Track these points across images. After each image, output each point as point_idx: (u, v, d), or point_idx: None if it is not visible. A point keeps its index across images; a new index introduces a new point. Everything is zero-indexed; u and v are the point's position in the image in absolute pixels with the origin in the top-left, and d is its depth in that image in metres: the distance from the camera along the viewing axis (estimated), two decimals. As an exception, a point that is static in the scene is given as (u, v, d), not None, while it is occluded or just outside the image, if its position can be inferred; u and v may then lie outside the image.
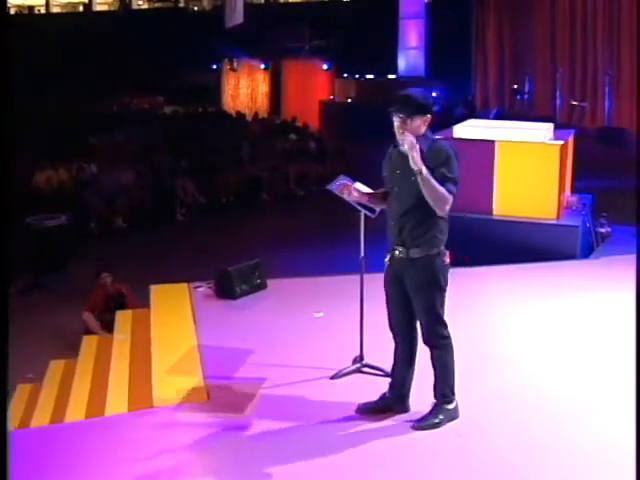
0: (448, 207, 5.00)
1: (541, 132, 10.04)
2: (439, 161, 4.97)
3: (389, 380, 5.52)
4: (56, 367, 8.02)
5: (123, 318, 8.00)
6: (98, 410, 6.10)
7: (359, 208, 5.76)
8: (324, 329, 7.08)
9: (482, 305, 7.88)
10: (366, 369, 6.16)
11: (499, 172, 9.86)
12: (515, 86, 23.21)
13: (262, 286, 8.09)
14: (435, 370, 5.29)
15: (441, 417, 5.28)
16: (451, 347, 5.28)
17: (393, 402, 5.45)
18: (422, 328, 5.25)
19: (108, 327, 9.47)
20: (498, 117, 21.52)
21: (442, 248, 5.13)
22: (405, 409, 5.43)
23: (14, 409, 7.54)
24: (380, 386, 5.77)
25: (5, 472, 3.88)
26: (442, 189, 4.92)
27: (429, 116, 5.08)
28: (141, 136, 20.51)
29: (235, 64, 31.04)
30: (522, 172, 9.81)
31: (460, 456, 4.98)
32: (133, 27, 30.31)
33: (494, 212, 9.97)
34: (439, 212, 4.99)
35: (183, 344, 6.71)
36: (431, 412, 5.31)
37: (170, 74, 29.41)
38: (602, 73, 21.46)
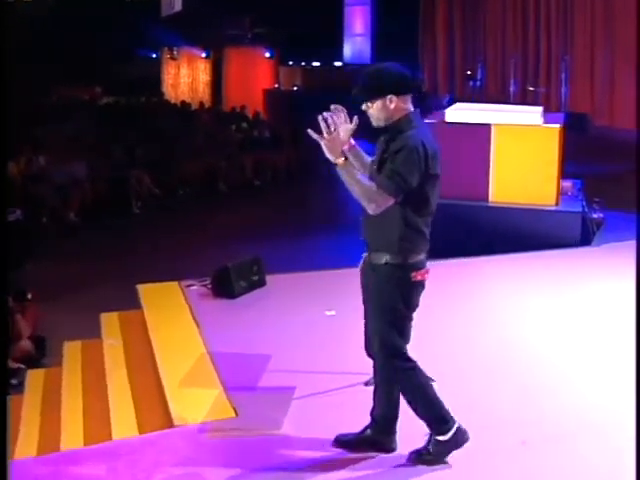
0: (375, 205, 4.03)
1: (536, 115, 9.59)
2: (392, 151, 4.10)
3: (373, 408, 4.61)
4: (35, 377, 7.25)
5: (109, 321, 7.25)
6: (101, 433, 5.35)
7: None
8: (341, 329, 6.44)
9: (493, 299, 7.44)
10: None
11: (495, 157, 9.39)
12: (469, 72, 22.77)
13: (261, 283, 7.45)
14: (409, 404, 4.43)
15: (432, 452, 4.42)
16: (411, 378, 4.34)
17: (376, 435, 4.58)
18: (375, 352, 4.39)
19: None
20: (452, 103, 21.14)
21: (412, 260, 4.18)
22: (390, 445, 4.56)
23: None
24: None
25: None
26: (367, 185, 4.04)
27: (392, 96, 4.13)
28: (88, 127, 19.56)
29: (175, 53, 30.11)
30: (520, 157, 9.37)
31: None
32: (65, 15, 29.14)
33: (490, 198, 9.50)
34: (369, 211, 4.08)
35: (191, 350, 6.03)
36: (425, 445, 4.47)
37: (107, 64, 28.38)
38: (556, 59, 21.18)
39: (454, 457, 4.45)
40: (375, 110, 4.19)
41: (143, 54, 30.11)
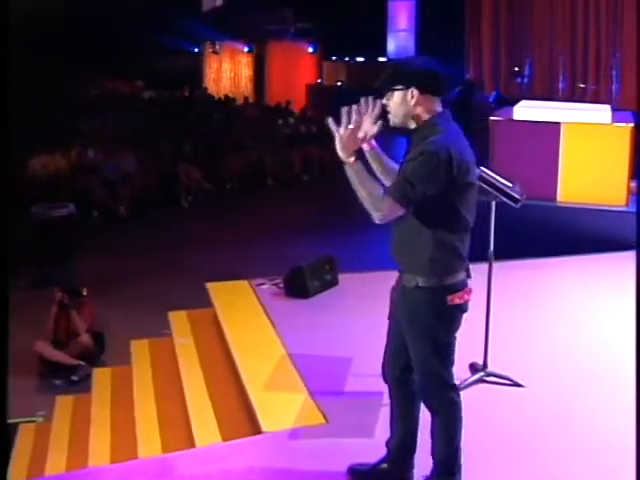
0: (381, 214, 3.62)
1: (606, 113, 9.36)
2: (411, 156, 3.65)
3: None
4: (102, 376, 7.12)
5: (178, 319, 7.10)
6: (181, 439, 5.18)
7: (497, 194, 4.95)
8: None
9: (567, 301, 7.26)
10: (490, 378, 5.42)
11: (565, 156, 9.17)
12: (516, 68, 22.47)
13: (333, 282, 7.28)
14: (432, 438, 4.05)
15: None
16: (454, 414, 3.97)
17: (391, 468, 4.23)
18: (417, 383, 4.00)
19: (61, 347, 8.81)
20: (498, 99, 20.95)
21: (447, 282, 3.75)
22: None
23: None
24: (511, 398, 5.21)
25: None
26: (375, 191, 3.62)
27: (415, 90, 3.68)
28: (134, 120, 19.51)
29: (217, 47, 29.98)
30: (590, 156, 9.15)
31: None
32: (107, 8, 29.09)
33: (558, 198, 9.27)
34: (375, 220, 3.67)
35: (270, 352, 5.85)
36: None
37: (148, 57, 28.32)
38: (606, 55, 20.84)
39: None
40: (394, 103, 3.73)
41: (185, 48, 30.02)
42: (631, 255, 8.40)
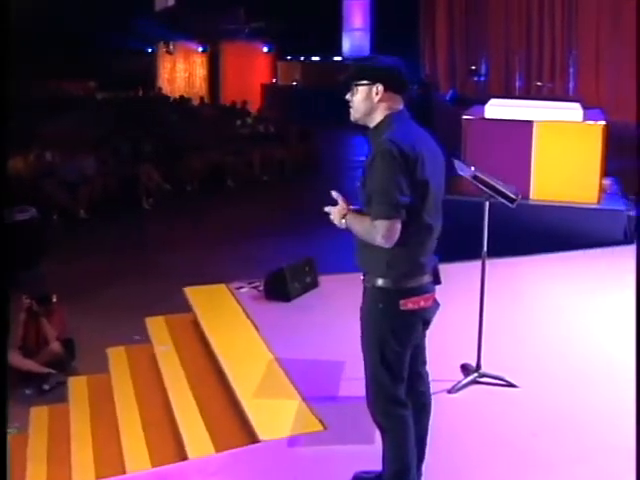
0: (382, 238, 3.54)
1: (578, 112, 9.36)
2: (367, 160, 3.63)
3: None
4: (78, 385, 6.91)
5: (156, 325, 6.93)
6: (170, 452, 5.02)
7: (492, 193, 4.89)
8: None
9: (542, 299, 7.18)
10: (484, 379, 5.36)
11: (537, 154, 9.15)
12: (473, 67, 22.54)
13: (314, 285, 7.17)
14: (383, 457, 3.93)
15: None
16: (402, 433, 3.82)
17: None
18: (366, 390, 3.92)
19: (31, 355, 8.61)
20: (455, 98, 21.05)
21: (403, 285, 3.65)
22: None
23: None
24: (505, 398, 5.18)
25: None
26: (366, 221, 3.61)
27: (380, 86, 3.66)
28: (91, 122, 19.20)
29: (171, 47, 29.74)
30: (562, 154, 9.15)
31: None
32: (57, 8, 28.66)
33: (531, 196, 9.25)
34: (386, 246, 3.58)
35: (257, 357, 5.72)
36: None
37: (100, 58, 27.96)
38: (561, 53, 20.98)
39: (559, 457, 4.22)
40: (357, 99, 3.71)
41: (138, 48, 29.73)
42: (602, 252, 8.45)
